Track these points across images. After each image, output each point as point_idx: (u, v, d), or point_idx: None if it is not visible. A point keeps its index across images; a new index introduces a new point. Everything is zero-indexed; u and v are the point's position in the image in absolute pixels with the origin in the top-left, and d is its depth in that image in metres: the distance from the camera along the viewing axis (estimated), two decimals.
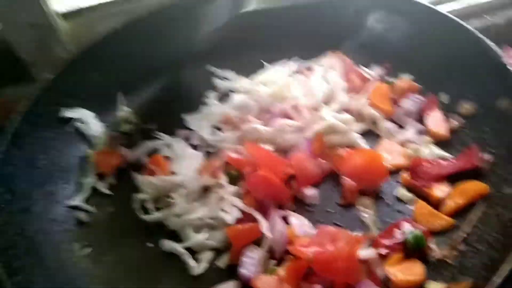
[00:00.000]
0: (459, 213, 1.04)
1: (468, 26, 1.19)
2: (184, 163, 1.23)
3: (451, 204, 1.04)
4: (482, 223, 0.98)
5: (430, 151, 1.16)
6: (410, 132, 1.22)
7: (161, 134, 1.33)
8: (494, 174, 1.05)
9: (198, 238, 1.09)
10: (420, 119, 1.24)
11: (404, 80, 1.32)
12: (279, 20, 1.51)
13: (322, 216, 1.11)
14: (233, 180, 1.14)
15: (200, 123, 1.35)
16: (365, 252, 0.95)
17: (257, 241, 1.04)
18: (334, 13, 1.47)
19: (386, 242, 0.98)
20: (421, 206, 1.06)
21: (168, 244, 1.11)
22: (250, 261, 1.00)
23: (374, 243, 1.00)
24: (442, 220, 1.02)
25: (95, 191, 1.26)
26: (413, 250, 0.97)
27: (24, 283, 0.99)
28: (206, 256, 1.09)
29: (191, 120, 1.38)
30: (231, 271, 1.04)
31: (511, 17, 1.55)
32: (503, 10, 1.56)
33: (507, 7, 1.57)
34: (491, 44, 1.13)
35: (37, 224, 1.13)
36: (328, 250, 0.91)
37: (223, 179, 1.14)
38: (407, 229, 0.99)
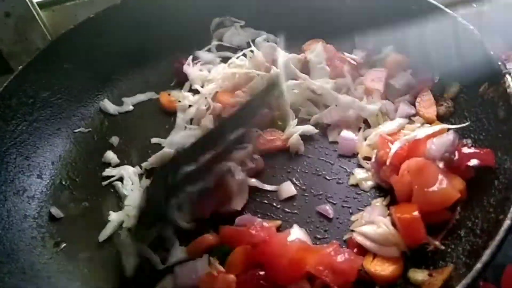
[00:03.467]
0: None
1: (451, 12, 1.18)
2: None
3: None
4: (462, 208, 0.97)
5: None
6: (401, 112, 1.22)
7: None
8: None
9: None
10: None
11: (394, 55, 1.32)
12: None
13: None
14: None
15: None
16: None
17: None
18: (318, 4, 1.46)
19: None
20: None
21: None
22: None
23: None
24: None
25: (69, 186, 1.23)
26: None
27: None
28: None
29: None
30: None
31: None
32: None
33: None
34: (473, 30, 1.11)
35: (8, 221, 1.09)
36: None
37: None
38: None
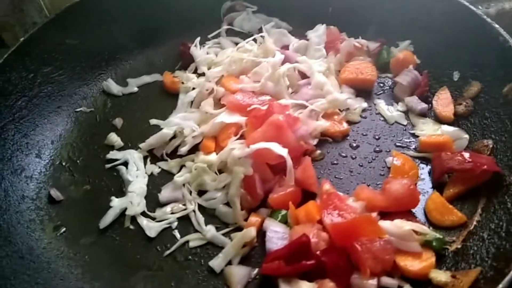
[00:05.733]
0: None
1: (477, 10, 1.15)
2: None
3: (453, 189, 1.01)
4: (485, 210, 0.95)
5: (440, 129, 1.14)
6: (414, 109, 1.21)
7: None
8: (496, 160, 1.01)
9: None
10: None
11: (403, 52, 1.29)
12: None
13: None
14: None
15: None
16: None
17: None
18: None
19: None
20: (436, 197, 1.00)
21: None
22: (275, 235, 0.95)
23: None
24: (453, 215, 0.97)
25: (69, 167, 1.16)
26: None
27: None
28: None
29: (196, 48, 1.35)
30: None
31: (503, 8, 1.55)
32: (496, 2, 1.57)
33: None
34: (499, 29, 1.09)
35: (5, 202, 1.03)
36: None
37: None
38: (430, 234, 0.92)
